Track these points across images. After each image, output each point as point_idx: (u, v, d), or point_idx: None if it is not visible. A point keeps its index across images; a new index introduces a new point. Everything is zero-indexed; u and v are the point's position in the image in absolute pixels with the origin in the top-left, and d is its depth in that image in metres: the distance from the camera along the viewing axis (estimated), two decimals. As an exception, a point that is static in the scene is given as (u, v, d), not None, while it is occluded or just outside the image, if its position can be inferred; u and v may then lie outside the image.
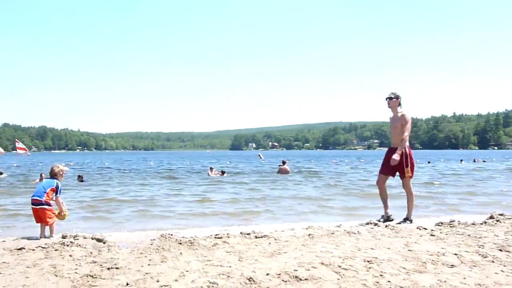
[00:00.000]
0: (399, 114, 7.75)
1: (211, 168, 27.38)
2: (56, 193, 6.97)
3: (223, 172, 26.03)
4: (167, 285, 3.99)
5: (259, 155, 75.19)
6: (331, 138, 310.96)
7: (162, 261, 5.01)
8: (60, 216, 7.08)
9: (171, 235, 6.62)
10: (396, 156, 7.50)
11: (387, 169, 7.88)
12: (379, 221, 7.80)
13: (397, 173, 7.87)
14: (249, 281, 4.05)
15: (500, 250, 5.24)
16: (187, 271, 4.50)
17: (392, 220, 7.85)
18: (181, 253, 5.46)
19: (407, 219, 7.82)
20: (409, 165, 7.67)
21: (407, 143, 7.69)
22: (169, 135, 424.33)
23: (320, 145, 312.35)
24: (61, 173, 7.17)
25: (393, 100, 7.82)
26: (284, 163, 27.76)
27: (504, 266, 4.54)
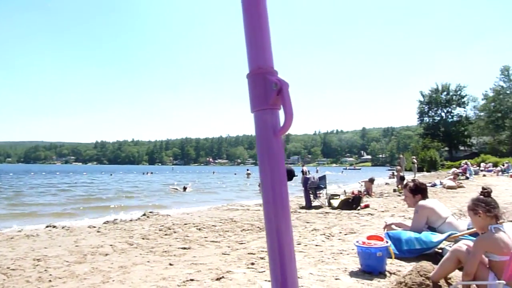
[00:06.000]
0: None
1: None
2: None
3: None
4: None
5: None
6: (33, 155, 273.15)
7: None
8: None
9: None
10: None
11: None
12: None
13: None
14: None
15: (143, 239, 5.46)
16: None
17: None
18: None
19: None
20: None
21: None
22: None
23: (22, 160, 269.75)
24: None
25: None
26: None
27: (143, 250, 4.74)
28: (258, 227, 6.24)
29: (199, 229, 6.16)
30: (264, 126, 0.75)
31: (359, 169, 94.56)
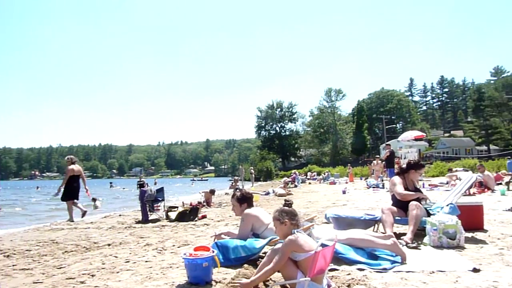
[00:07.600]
0: None
1: None
2: None
3: None
4: None
5: None
6: None
7: None
8: None
9: None
10: None
11: None
12: None
13: None
14: None
15: None
16: None
17: None
18: None
19: None
20: None
21: None
22: None
23: None
24: None
25: None
26: None
27: None
28: (84, 247, 5.70)
29: (8, 256, 5.26)
30: None
31: (206, 179, 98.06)
